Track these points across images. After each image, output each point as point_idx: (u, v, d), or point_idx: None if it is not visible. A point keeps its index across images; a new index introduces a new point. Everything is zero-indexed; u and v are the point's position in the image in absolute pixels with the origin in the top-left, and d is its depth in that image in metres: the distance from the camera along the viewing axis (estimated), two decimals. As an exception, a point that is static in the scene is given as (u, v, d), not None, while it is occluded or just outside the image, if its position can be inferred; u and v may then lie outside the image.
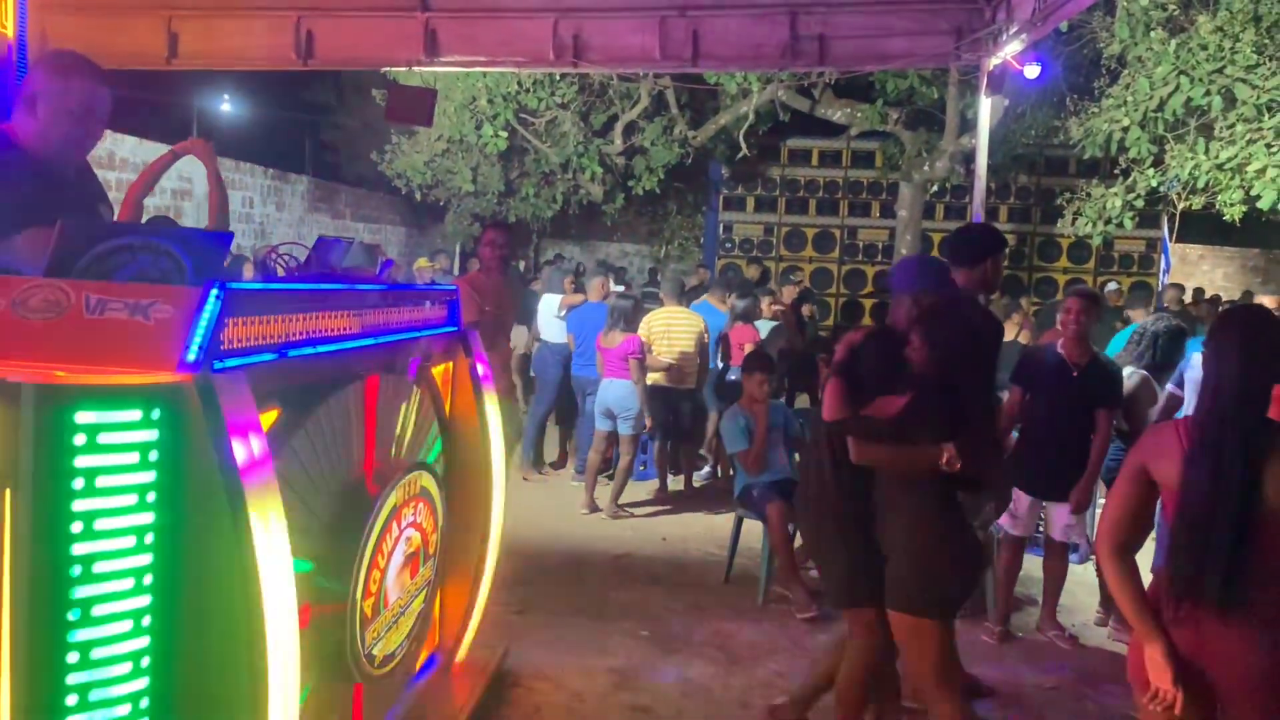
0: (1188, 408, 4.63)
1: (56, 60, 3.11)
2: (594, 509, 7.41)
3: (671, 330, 7.76)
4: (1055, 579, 5.33)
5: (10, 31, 4.25)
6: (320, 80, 19.77)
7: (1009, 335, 8.74)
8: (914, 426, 3.27)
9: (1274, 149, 7.92)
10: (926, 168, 13.09)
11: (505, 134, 13.63)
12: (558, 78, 13.22)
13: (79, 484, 1.92)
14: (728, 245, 16.00)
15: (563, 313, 8.49)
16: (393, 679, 3.25)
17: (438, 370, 3.69)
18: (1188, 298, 13.81)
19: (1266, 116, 8.03)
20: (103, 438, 1.95)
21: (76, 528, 1.93)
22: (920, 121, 13.45)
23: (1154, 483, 2.66)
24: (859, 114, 13.56)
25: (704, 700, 4.29)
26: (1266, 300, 6.32)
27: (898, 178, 14.04)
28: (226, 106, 20.66)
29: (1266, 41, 8.16)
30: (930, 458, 3.22)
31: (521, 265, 14.87)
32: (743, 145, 13.75)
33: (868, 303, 15.08)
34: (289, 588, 2.17)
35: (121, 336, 2.09)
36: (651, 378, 7.66)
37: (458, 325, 3.84)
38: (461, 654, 4.00)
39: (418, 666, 3.69)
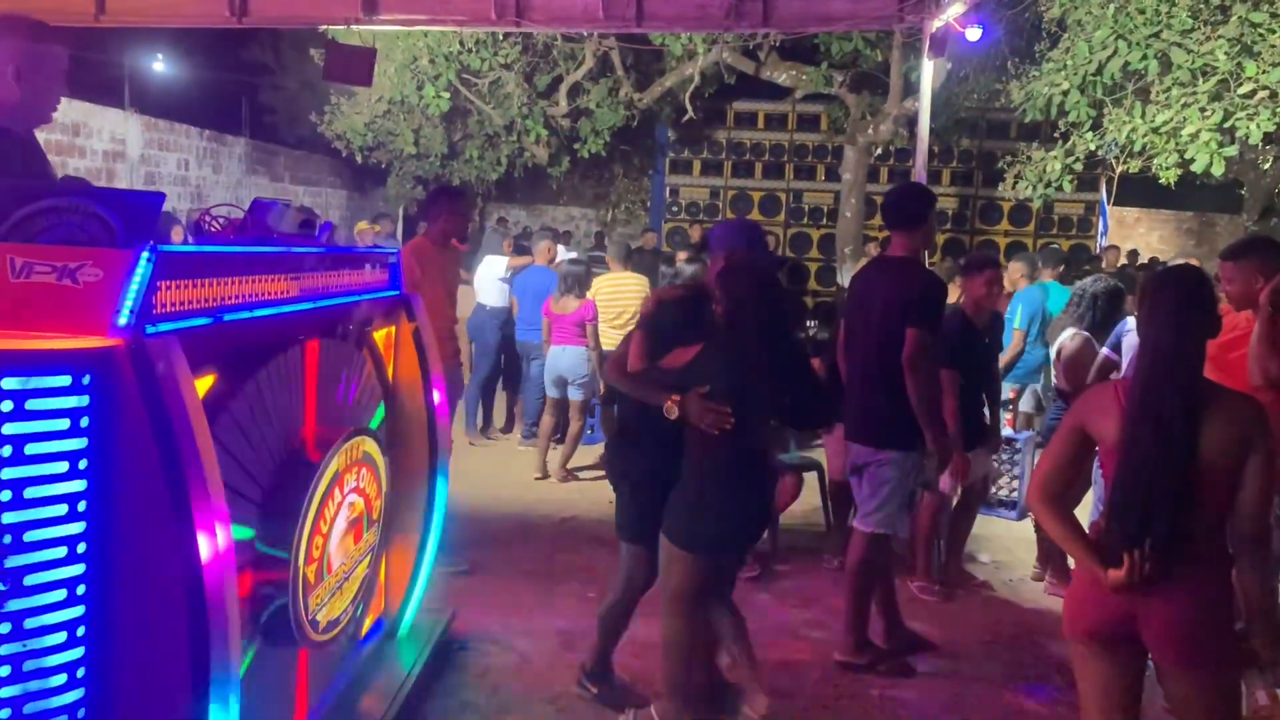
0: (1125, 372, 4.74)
1: None
2: (547, 474, 7.40)
3: (619, 295, 7.74)
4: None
5: (-74, -15, 4.09)
6: (258, 39, 19.32)
7: (951, 297, 8.85)
8: (690, 376, 3.48)
9: (1207, 113, 8.06)
10: (871, 131, 13.14)
11: (447, 95, 13.41)
12: (500, 37, 13.02)
13: (7, 452, 1.88)
14: (674, 209, 15.96)
15: (508, 274, 8.40)
16: (338, 644, 3.24)
17: (380, 334, 3.65)
18: (1124, 260, 14.08)
19: (1201, 81, 8.16)
20: (31, 404, 1.91)
21: (5, 496, 1.89)
22: (865, 84, 13.48)
23: (1090, 441, 2.72)
24: (804, 77, 13.55)
25: (651, 659, 4.32)
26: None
27: (842, 141, 14.09)
28: (160, 66, 20.09)
29: (1201, 6, 8.27)
30: (657, 400, 3.48)
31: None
32: (689, 108, 13.69)
33: (813, 265, 15.16)
34: (228, 555, 2.14)
35: (49, 300, 2.04)
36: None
37: (399, 289, 3.79)
38: (408, 618, 4.00)
39: (364, 631, 3.68)
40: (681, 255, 10.33)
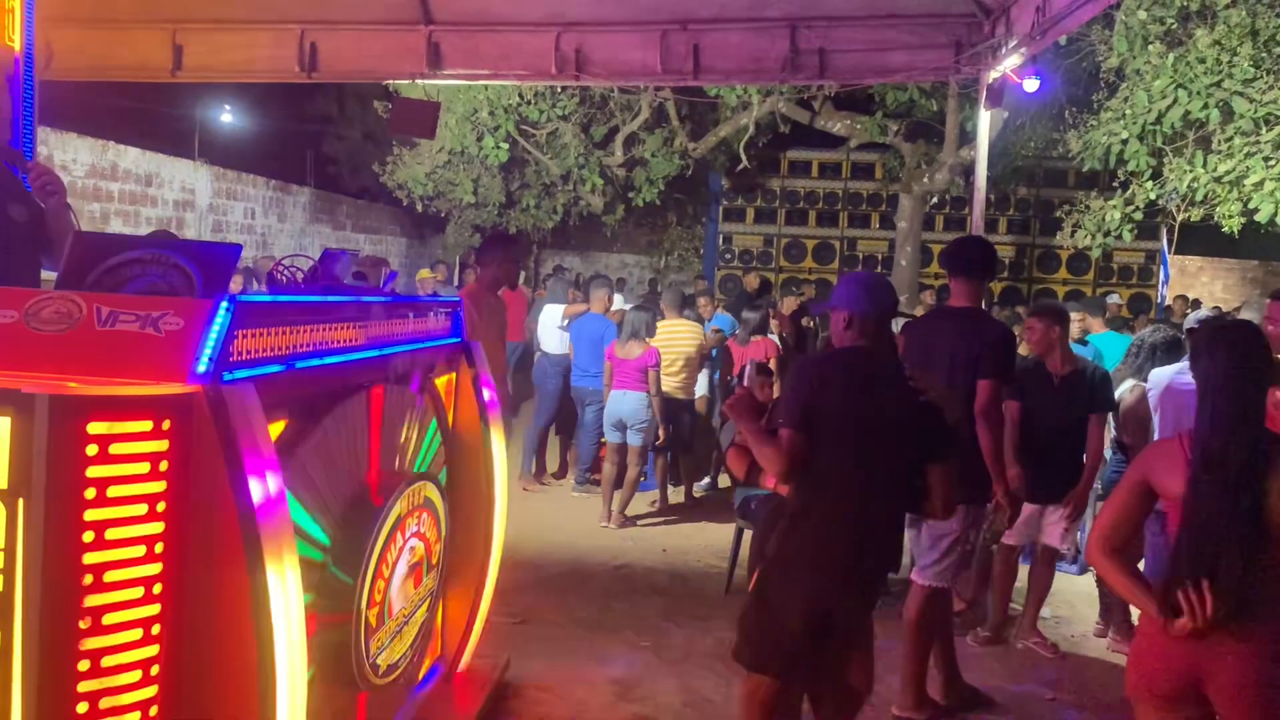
0: (1158, 424, 4.67)
1: None
2: (620, 522, 7.41)
3: (674, 342, 7.78)
4: (1041, 587, 5.32)
5: (17, 44, 4.29)
6: (322, 92, 19.87)
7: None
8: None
9: (1271, 162, 7.97)
10: (926, 179, 13.15)
11: (506, 145, 13.70)
12: (559, 90, 13.28)
13: (91, 494, 1.95)
14: (727, 256, 16.05)
15: (565, 323, 8.50)
16: (396, 688, 3.27)
17: (441, 381, 3.72)
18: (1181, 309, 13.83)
19: (1264, 130, 8.08)
20: (114, 448, 1.97)
21: (88, 537, 1.95)
22: (920, 134, 13.51)
23: (1153, 494, 2.68)
24: (859, 126, 13.63)
25: (706, 711, 4.30)
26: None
27: (898, 189, 14.11)
28: (228, 117, 20.75)
29: (1264, 55, 8.22)
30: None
31: (521, 276, 14.93)
32: (743, 157, 13.81)
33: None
34: (296, 597, 2.19)
35: (133, 348, 2.12)
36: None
37: (460, 336, 3.86)
38: (463, 664, 4.02)
39: (420, 676, 3.71)
40: (703, 300, 10.30)
